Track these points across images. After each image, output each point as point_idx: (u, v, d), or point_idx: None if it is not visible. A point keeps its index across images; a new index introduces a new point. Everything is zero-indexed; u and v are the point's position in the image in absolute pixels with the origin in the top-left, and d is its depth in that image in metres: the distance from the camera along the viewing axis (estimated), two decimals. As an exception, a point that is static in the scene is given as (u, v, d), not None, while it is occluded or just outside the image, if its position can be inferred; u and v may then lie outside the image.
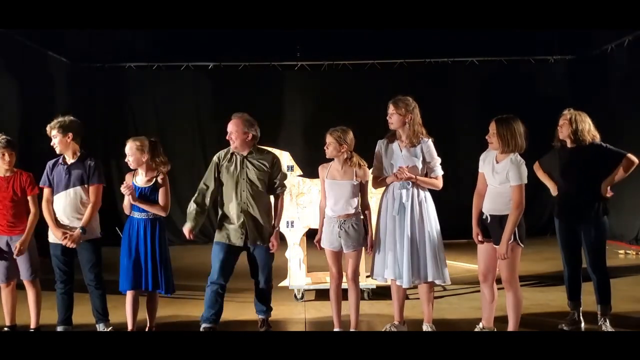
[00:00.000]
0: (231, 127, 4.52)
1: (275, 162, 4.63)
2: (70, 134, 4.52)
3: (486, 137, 4.25)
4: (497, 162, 4.19)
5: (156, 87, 10.07)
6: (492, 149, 4.25)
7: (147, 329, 4.69)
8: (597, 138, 4.60)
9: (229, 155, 4.60)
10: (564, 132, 4.62)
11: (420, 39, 9.25)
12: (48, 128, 4.54)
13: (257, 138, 4.60)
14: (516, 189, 4.09)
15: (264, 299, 4.74)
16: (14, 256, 4.57)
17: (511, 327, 4.27)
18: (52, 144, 4.55)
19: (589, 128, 4.58)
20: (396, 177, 4.38)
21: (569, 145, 4.64)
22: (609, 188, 4.52)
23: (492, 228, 4.23)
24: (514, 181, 4.09)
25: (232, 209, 4.54)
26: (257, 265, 4.62)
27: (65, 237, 4.41)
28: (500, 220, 4.17)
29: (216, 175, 4.59)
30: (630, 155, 4.55)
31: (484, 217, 4.27)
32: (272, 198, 4.70)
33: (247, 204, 4.51)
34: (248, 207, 4.50)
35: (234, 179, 4.53)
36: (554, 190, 4.76)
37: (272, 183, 4.60)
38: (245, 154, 4.55)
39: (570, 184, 4.60)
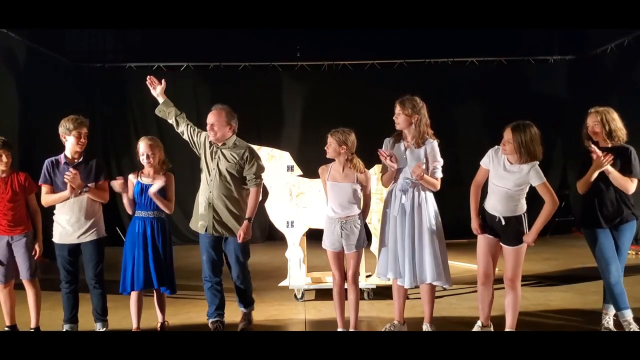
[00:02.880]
0: (213, 118, 4.60)
1: (247, 155, 4.61)
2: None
3: (501, 145, 4.17)
4: (511, 163, 4.15)
5: (156, 87, 10.05)
6: (505, 155, 4.17)
7: (159, 324, 4.81)
8: (625, 134, 4.44)
9: (208, 143, 4.69)
10: (598, 134, 4.41)
11: (420, 39, 9.26)
12: (85, 128, 4.55)
13: (235, 131, 4.68)
14: (544, 186, 4.08)
15: (240, 292, 4.79)
16: (36, 258, 4.62)
17: (510, 325, 4.28)
18: (81, 142, 4.53)
19: (620, 126, 4.42)
20: (390, 164, 4.39)
21: (601, 145, 4.42)
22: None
23: (508, 229, 4.19)
24: (539, 180, 4.08)
25: (201, 196, 4.68)
26: (229, 257, 4.70)
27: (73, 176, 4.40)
28: (517, 220, 4.17)
29: (195, 139, 4.73)
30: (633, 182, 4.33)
31: (497, 219, 4.20)
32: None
33: (214, 194, 4.59)
34: (215, 198, 4.59)
35: (207, 168, 4.65)
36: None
37: (244, 176, 4.62)
38: (220, 144, 4.63)
39: (607, 187, 4.37)
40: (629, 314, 4.37)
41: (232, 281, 4.79)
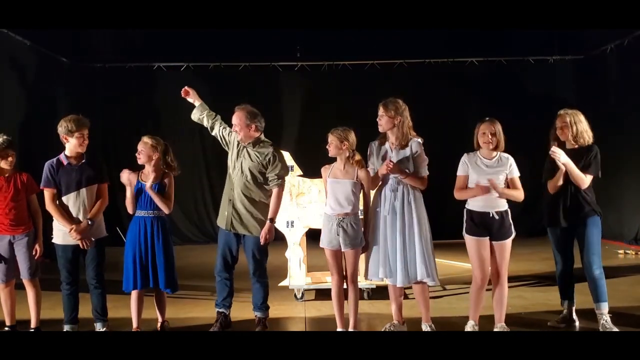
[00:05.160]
0: (234, 119, 4.67)
1: (271, 156, 4.64)
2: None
3: (488, 140, 4.33)
4: (489, 160, 4.37)
5: (156, 87, 10.06)
6: (489, 149, 4.37)
7: (159, 325, 4.82)
8: (591, 136, 4.60)
9: (236, 142, 4.74)
10: (565, 134, 4.58)
11: (420, 39, 9.25)
12: (86, 129, 4.54)
13: (261, 129, 4.70)
14: (518, 181, 4.35)
15: (256, 291, 4.81)
16: (36, 258, 4.63)
17: (499, 319, 4.40)
18: (84, 143, 4.54)
19: (586, 128, 4.58)
20: (387, 168, 4.39)
21: (568, 146, 4.60)
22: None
23: (499, 223, 4.34)
24: (517, 173, 4.35)
25: (225, 193, 4.76)
26: (247, 255, 4.75)
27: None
28: (505, 213, 4.38)
29: (227, 138, 4.79)
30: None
31: (490, 215, 4.33)
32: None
33: (236, 192, 4.66)
34: (236, 196, 4.66)
35: (232, 166, 4.72)
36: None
37: (267, 176, 4.66)
38: (246, 144, 4.68)
39: (568, 184, 4.54)
40: (565, 304, 4.79)
41: (249, 278, 4.80)
